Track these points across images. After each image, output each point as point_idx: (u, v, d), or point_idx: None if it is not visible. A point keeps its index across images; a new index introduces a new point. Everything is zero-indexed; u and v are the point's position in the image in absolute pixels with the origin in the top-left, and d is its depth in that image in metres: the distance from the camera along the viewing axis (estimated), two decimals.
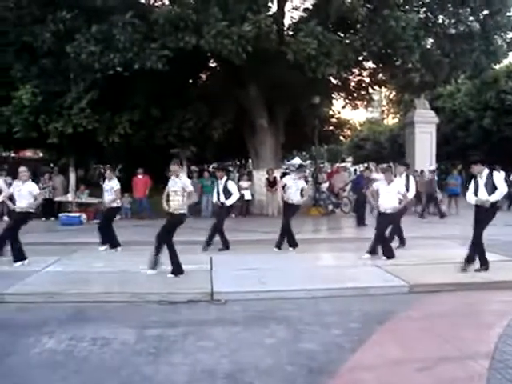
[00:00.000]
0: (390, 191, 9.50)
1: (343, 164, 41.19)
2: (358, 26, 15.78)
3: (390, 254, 9.41)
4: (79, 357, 4.94)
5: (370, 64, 19.19)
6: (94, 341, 5.36)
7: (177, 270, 8.14)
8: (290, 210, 10.91)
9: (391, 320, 6.03)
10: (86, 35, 14.18)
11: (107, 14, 14.48)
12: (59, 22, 14.41)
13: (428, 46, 16.61)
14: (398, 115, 44.89)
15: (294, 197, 10.82)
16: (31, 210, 9.20)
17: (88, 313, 6.46)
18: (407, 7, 15.70)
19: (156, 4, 18.14)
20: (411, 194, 10.49)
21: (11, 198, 9.40)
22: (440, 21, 17.15)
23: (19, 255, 9.00)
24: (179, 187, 8.22)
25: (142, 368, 4.66)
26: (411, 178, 10.98)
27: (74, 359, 4.89)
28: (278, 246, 10.77)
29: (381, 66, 18.47)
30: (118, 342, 5.34)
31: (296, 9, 19.31)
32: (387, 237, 9.86)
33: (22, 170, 9.41)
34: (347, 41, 15.46)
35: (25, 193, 9.13)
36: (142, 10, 15.51)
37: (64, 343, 5.30)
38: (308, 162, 46.57)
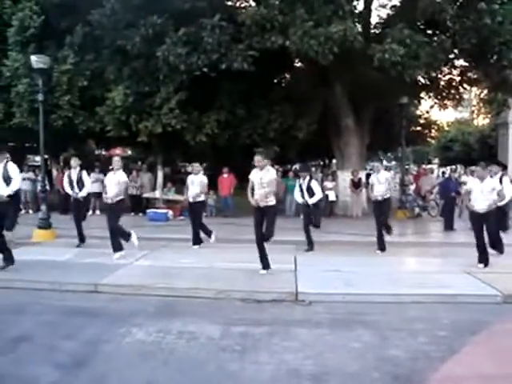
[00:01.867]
0: (483, 190, 8.83)
1: (429, 166, 39.76)
2: (449, 23, 15.13)
3: (485, 262, 8.92)
4: (167, 349, 5.09)
5: (461, 62, 18.39)
6: (180, 334, 5.50)
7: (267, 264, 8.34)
8: (382, 207, 10.75)
9: (484, 331, 5.71)
10: (173, 38, 14.62)
11: (195, 17, 14.83)
12: (149, 27, 14.95)
13: None
14: (489, 115, 42.76)
15: (381, 191, 10.66)
16: (120, 198, 9.70)
17: (175, 307, 6.65)
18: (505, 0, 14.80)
19: (242, 5, 18.36)
20: (509, 196, 9.85)
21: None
22: None
23: (119, 246, 9.54)
24: (266, 179, 8.25)
25: (227, 364, 4.72)
26: (506, 178, 10.35)
27: (161, 351, 5.04)
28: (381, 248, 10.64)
29: (473, 63, 17.63)
30: (204, 336, 5.45)
31: (383, 6, 18.89)
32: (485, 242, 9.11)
33: (116, 159, 10.21)
34: (436, 38, 14.85)
35: (115, 181, 9.72)
36: (229, 11, 15.74)
37: (152, 335, 5.48)
38: (393, 163, 45.45)
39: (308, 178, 10.90)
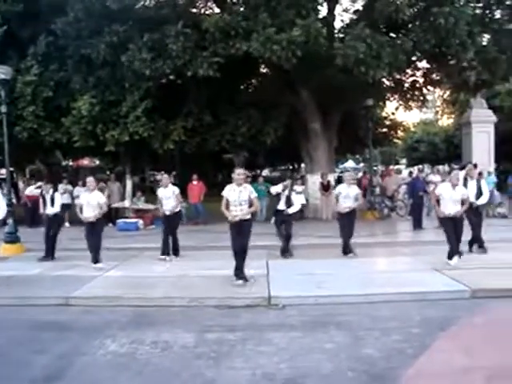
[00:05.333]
0: (453, 197, 8.93)
1: (397, 166, 40.45)
2: (410, 25, 15.43)
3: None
4: (141, 359, 5.06)
5: (423, 64, 18.74)
6: (155, 344, 5.47)
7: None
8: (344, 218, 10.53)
9: (454, 326, 5.84)
10: (138, 44, 14.56)
11: (159, 24, 14.81)
12: (114, 34, 14.85)
13: (484, 43, 16.05)
14: (453, 115, 43.73)
15: (348, 204, 10.40)
16: (99, 218, 9.68)
17: (148, 317, 6.61)
18: (461, 3, 15.15)
19: (206, 12, 18.38)
20: (484, 199, 10.14)
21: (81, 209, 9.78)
22: (498, 16, 16.55)
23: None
24: (246, 196, 8.02)
25: (203, 371, 4.72)
26: (483, 181, 10.58)
27: (136, 362, 5.00)
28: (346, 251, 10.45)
29: (435, 65, 18.01)
30: (178, 345, 5.43)
31: (346, 11, 19.14)
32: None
33: (90, 180, 9.93)
34: (399, 41, 15.12)
35: (94, 203, 9.53)
36: (193, 18, 15.73)
37: (126, 346, 5.44)
38: (361, 164, 46.02)
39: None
